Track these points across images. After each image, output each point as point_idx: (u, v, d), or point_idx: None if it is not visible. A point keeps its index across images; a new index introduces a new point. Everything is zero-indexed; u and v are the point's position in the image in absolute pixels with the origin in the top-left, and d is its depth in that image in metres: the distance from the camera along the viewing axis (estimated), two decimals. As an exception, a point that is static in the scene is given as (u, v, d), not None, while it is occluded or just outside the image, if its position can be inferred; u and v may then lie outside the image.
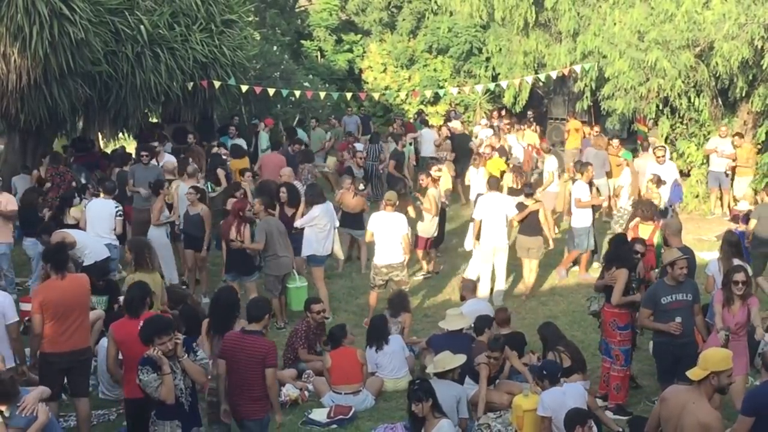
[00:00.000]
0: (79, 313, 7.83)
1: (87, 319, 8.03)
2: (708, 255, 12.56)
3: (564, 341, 8.85)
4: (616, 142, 16.75)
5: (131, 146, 19.24)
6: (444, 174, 14.73)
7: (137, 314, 7.25)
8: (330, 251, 12.36)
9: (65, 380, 8.05)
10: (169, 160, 15.06)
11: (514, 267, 14.14)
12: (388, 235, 11.32)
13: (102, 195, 12.14)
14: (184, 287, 11.87)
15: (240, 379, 6.87)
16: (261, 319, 7.03)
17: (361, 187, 13.99)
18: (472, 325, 9.47)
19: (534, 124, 21.01)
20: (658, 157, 14.67)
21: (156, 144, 15.87)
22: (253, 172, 15.49)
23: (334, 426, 8.62)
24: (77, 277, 8.19)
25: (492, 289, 12.39)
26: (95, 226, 11.63)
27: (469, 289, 10.81)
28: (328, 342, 9.78)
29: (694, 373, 5.78)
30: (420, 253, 13.71)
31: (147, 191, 13.26)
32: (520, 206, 12.52)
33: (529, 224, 12.56)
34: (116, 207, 11.79)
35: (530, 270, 12.73)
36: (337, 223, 12.71)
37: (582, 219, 13.06)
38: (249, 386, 6.86)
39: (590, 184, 13.35)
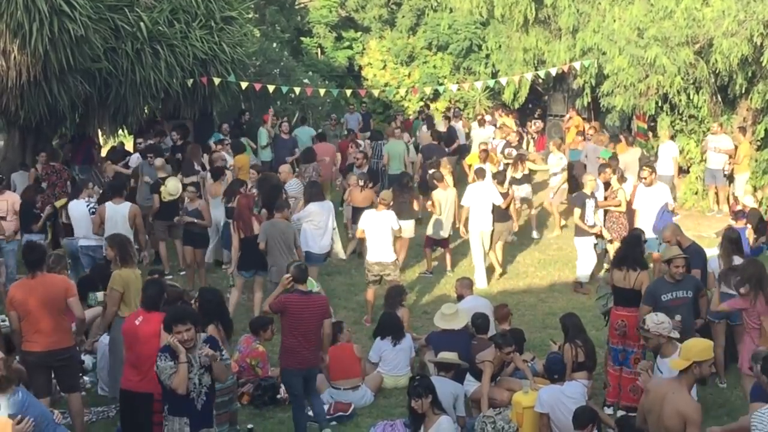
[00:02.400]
0: (48, 313, 7.67)
1: (62, 321, 7.80)
2: (708, 252, 12.55)
3: (584, 336, 8.87)
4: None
5: (130, 143, 19.25)
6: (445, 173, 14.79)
7: (156, 309, 7.33)
8: (326, 249, 12.33)
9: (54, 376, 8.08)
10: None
11: (513, 264, 14.21)
12: (379, 233, 11.41)
13: (80, 196, 12.02)
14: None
15: (308, 333, 7.93)
16: (306, 281, 8.09)
17: (361, 183, 13.96)
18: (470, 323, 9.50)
19: (538, 120, 21.05)
20: (643, 178, 12.86)
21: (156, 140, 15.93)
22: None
23: (334, 423, 8.63)
24: (50, 277, 7.96)
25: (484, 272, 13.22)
26: (77, 227, 11.69)
27: (466, 286, 10.83)
28: None
29: (676, 364, 5.85)
30: (427, 251, 13.82)
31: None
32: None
33: (501, 211, 13.34)
34: (88, 205, 11.68)
35: (500, 249, 13.62)
36: (334, 223, 12.69)
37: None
38: (315, 338, 7.99)
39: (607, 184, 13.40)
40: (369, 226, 11.51)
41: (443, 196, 13.51)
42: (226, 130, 18.34)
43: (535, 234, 15.73)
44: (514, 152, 16.47)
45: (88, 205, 11.65)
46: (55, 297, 7.73)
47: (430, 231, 13.62)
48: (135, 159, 15.49)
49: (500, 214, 13.34)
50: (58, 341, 7.76)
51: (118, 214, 11.32)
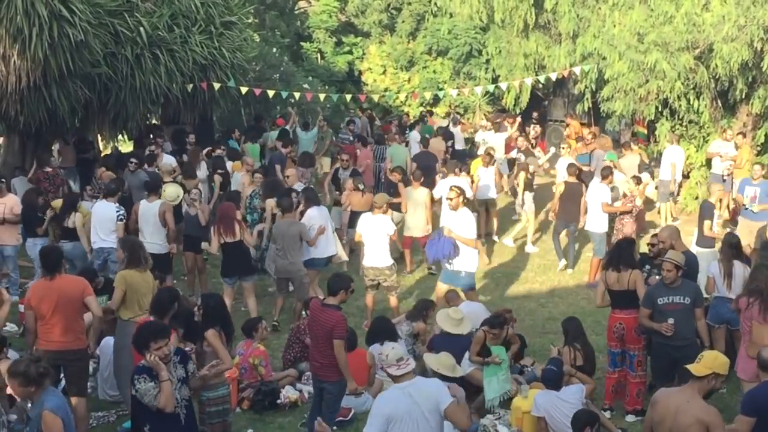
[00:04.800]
0: (63, 314, 7.80)
1: (77, 322, 7.95)
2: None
3: (583, 339, 8.88)
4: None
5: (128, 149, 19.26)
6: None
7: (164, 316, 7.33)
8: (331, 253, 12.32)
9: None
10: (167, 161, 15.11)
11: (513, 269, 14.20)
12: (375, 237, 11.39)
13: (105, 198, 11.94)
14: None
15: (317, 346, 7.73)
16: (336, 294, 7.66)
17: (361, 187, 14.00)
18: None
19: (535, 123, 21.04)
20: (449, 199, 11.35)
21: (152, 148, 15.90)
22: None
23: (334, 428, 8.60)
24: (69, 279, 8.14)
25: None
26: (98, 228, 11.63)
27: (453, 299, 10.85)
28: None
29: (697, 369, 5.75)
30: (407, 252, 13.89)
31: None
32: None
33: None
34: (118, 210, 11.64)
35: None
36: (335, 225, 12.69)
37: (599, 224, 13.05)
38: (324, 353, 7.64)
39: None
40: (365, 230, 11.49)
41: (410, 194, 13.71)
42: (237, 136, 18.36)
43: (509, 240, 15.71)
44: (522, 157, 16.63)
45: (118, 211, 11.62)
46: (71, 297, 7.88)
47: (406, 230, 13.75)
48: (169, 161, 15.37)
49: None
50: (70, 342, 7.87)
51: (150, 211, 11.60)
